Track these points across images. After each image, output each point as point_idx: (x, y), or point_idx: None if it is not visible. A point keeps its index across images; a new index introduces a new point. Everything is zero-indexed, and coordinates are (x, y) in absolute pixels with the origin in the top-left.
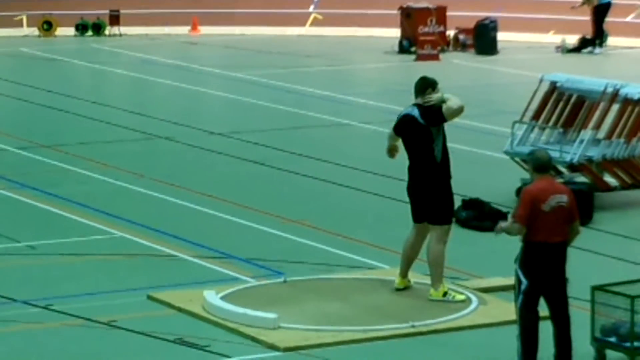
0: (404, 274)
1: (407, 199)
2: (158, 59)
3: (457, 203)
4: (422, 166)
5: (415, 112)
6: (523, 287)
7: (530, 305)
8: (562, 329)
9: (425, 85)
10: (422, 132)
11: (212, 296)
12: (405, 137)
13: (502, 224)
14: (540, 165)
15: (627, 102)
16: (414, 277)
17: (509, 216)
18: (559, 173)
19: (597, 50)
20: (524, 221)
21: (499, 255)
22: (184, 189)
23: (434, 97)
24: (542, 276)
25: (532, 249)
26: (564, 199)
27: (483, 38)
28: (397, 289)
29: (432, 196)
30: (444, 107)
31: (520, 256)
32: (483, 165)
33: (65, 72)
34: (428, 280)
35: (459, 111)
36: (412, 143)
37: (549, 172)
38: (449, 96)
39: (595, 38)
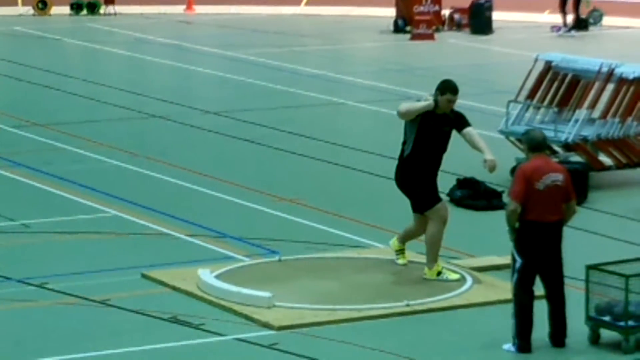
0: (401, 241)
1: None
2: (153, 38)
3: (452, 182)
4: (399, 158)
5: None
6: (518, 265)
7: (525, 284)
8: (557, 307)
9: (437, 87)
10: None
11: (207, 275)
12: (434, 131)
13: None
14: (536, 144)
15: (622, 81)
16: (409, 255)
17: (504, 196)
18: (554, 152)
19: (574, 32)
20: (519, 198)
21: (493, 234)
22: (178, 168)
23: (425, 96)
24: (537, 255)
25: (526, 228)
26: (559, 177)
27: (478, 17)
28: (394, 250)
29: (404, 187)
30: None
31: (514, 234)
32: None
33: (60, 51)
34: (423, 259)
35: (398, 113)
36: (444, 141)
37: (544, 151)
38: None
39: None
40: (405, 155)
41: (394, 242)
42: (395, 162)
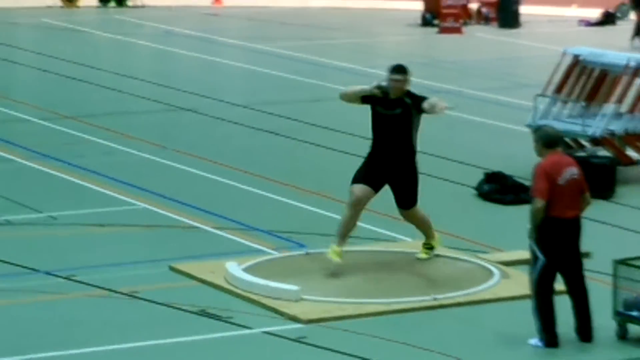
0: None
1: (432, 173)
2: (181, 31)
3: (480, 176)
4: (404, 151)
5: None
6: (540, 263)
7: (546, 282)
8: (581, 301)
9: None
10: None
11: (234, 268)
12: (381, 116)
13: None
14: (552, 140)
15: None
16: (436, 249)
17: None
18: (582, 147)
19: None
20: (545, 195)
21: (521, 228)
22: (206, 161)
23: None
24: (560, 252)
25: (549, 225)
26: (575, 171)
27: (506, 11)
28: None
29: (411, 181)
30: (427, 102)
31: (536, 232)
32: (505, 139)
33: (88, 43)
34: (451, 253)
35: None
36: (391, 125)
37: (559, 147)
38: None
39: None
40: (415, 149)
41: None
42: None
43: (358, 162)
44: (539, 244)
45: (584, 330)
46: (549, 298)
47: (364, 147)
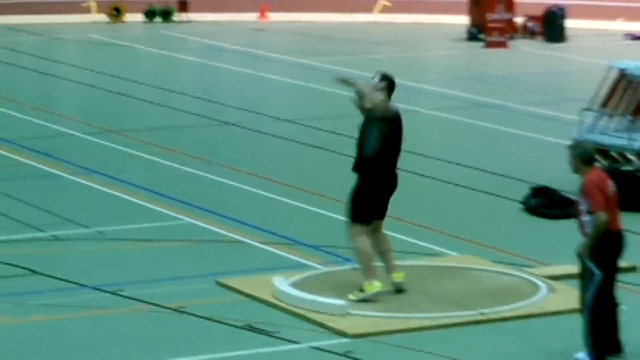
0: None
1: (479, 187)
2: (226, 46)
3: (526, 190)
4: (394, 164)
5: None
6: (597, 279)
7: (604, 297)
8: (614, 314)
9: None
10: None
11: (281, 282)
12: (396, 133)
13: None
14: (590, 157)
15: None
16: (483, 264)
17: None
18: (628, 161)
19: None
20: (604, 208)
21: (567, 242)
22: (252, 175)
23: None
24: (615, 265)
25: (606, 239)
26: (613, 184)
27: (551, 25)
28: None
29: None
30: None
31: (592, 247)
32: (552, 153)
33: (134, 58)
34: (498, 268)
35: None
36: (398, 140)
37: (595, 162)
38: None
39: None
40: None
41: (393, 275)
42: (470, 170)
43: (402, 176)
44: (595, 260)
45: (617, 343)
46: (605, 314)
47: (411, 162)
